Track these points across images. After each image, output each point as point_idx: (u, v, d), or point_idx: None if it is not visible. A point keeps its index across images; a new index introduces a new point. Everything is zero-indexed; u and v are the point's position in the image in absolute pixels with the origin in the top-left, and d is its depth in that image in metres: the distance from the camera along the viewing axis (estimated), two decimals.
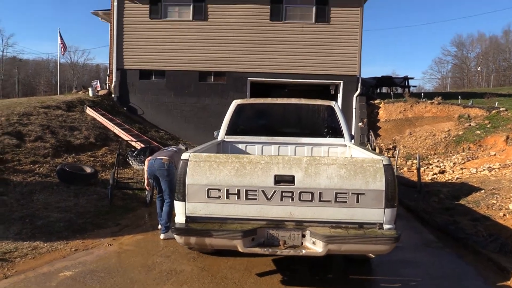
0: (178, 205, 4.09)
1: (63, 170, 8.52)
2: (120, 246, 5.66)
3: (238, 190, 3.98)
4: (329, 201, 3.92)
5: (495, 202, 7.61)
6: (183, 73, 16.03)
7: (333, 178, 3.90)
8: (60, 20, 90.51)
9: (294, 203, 3.95)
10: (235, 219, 4.03)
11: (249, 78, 16.01)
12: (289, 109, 6.81)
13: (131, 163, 10.94)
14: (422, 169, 11.51)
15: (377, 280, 4.82)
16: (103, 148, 11.37)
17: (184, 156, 4.10)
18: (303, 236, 3.98)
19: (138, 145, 12.09)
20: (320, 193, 3.91)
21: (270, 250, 3.93)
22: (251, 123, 6.70)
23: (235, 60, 15.92)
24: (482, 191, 8.54)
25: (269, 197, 3.95)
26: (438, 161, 12.81)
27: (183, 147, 6.74)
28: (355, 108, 15.93)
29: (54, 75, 53.09)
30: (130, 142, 12.23)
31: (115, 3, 15.93)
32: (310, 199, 3.92)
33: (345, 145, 6.34)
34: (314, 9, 15.76)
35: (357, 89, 15.90)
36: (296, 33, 15.81)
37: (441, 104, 16.33)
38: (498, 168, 10.46)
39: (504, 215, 6.90)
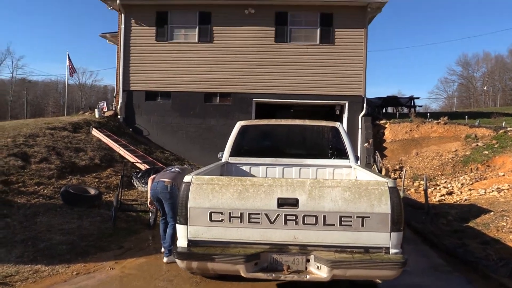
0: (180, 229, 4.04)
1: (67, 192, 8.50)
2: (122, 270, 5.57)
3: (241, 214, 3.92)
4: (333, 225, 3.84)
5: (505, 224, 7.45)
6: (189, 94, 16.13)
7: (337, 201, 3.84)
8: (70, 42, 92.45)
9: (298, 226, 3.88)
10: (238, 243, 3.96)
11: (254, 99, 16.06)
12: (293, 130, 6.79)
13: (136, 185, 10.91)
14: (429, 190, 11.36)
15: None
16: (108, 169, 11.37)
17: (187, 178, 4.07)
18: (307, 260, 3.89)
19: (143, 166, 12.08)
20: (324, 217, 3.84)
21: (273, 275, 3.84)
22: (256, 145, 6.68)
23: (241, 81, 16.02)
24: (492, 213, 8.38)
25: (272, 220, 3.89)
26: (445, 182, 12.65)
27: (188, 167, 6.72)
28: (361, 129, 15.87)
29: (62, 96, 53.83)
30: (135, 163, 12.23)
31: (122, 26, 16.19)
32: (314, 222, 3.85)
33: (350, 167, 6.28)
34: (318, 30, 15.91)
35: (362, 110, 15.88)
36: (301, 54, 15.92)
37: (447, 124, 16.24)
38: (507, 189, 10.29)
39: None
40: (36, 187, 8.90)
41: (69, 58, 24.83)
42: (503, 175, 11.73)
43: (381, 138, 16.38)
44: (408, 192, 12.04)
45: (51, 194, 8.81)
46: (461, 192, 11.23)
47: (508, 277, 5.24)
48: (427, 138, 15.95)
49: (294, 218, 3.87)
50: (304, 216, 3.85)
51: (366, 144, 15.47)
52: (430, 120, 16.92)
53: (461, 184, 11.99)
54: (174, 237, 5.58)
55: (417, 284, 5.22)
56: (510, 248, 6.36)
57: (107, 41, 20.21)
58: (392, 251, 3.81)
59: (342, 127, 6.53)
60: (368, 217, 3.80)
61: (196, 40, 16.16)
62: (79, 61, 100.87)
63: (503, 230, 7.18)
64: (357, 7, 15.74)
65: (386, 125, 16.73)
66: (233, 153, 6.42)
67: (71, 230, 7.03)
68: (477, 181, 11.91)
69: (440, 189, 11.92)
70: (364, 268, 3.73)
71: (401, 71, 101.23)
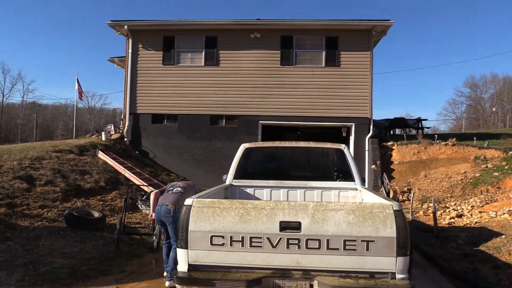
0: (180, 253, 3.95)
1: (70, 215, 8.44)
2: None
3: (243, 237, 3.82)
4: (337, 249, 3.72)
5: None
6: (195, 117, 16.21)
7: (341, 225, 3.73)
8: (80, 67, 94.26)
9: (300, 251, 3.76)
10: (239, 268, 3.85)
11: (260, 121, 16.09)
12: (298, 153, 6.73)
13: (140, 207, 10.84)
14: (438, 212, 11.16)
15: None
16: (113, 192, 11.34)
17: (187, 201, 4.00)
18: (311, 286, 3.75)
19: (148, 189, 12.02)
20: (328, 240, 3.73)
21: None
22: (260, 167, 6.61)
23: (246, 103, 16.09)
24: (503, 236, 8.16)
25: (274, 244, 3.78)
26: (455, 204, 12.41)
27: (191, 183, 6.66)
28: (368, 150, 15.77)
29: (71, 120, 54.41)
30: (140, 186, 12.19)
31: (130, 50, 16.46)
32: (317, 246, 3.74)
33: (356, 189, 6.16)
34: (324, 53, 16.02)
35: (369, 131, 15.82)
36: (307, 77, 16.00)
37: (455, 145, 16.08)
38: None
39: None
40: (40, 210, 8.88)
41: (78, 82, 25.23)
42: None
43: (389, 160, 16.23)
44: (417, 214, 11.82)
45: (55, 217, 8.77)
46: (471, 215, 11.00)
47: None
48: (435, 160, 15.78)
49: (296, 242, 3.76)
50: (307, 240, 3.75)
51: (373, 166, 15.32)
52: (438, 141, 16.77)
53: (471, 206, 11.75)
54: (177, 261, 5.47)
55: None
56: None
57: (115, 65, 20.53)
58: (398, 276, 3.68)
59: (347, 149, 6.45)
60: (373, 241, 3.68)
61: (203, 64, 16.35)
62: (89, 85, 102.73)
63: None
64: (362, 30, 15.89)
65: (394, 147, 16.61)
66: (237, 176, 6.35)
67: (73, 254, 6.95)
68: (487, 203, 11.67)
69: (449, 211, 11.70)
70: None
71: (409, 93, 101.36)
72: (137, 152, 16.19)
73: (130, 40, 16.48)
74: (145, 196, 11.04)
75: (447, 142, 16.28)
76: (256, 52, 16.15)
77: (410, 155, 16.17)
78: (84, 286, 5.72)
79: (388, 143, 16.84)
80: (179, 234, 3.94)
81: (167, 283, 5.78)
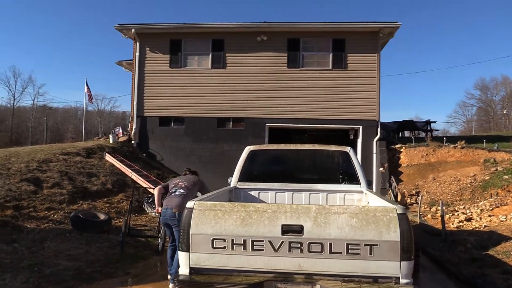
0: (181, 256, 3.92)
1: (76, 217, 8.48)
2: None
3: (244, 241, 3.78)
4: (340, 253, 3.67)
5: None
6: (202, 119, 16.23)
7: (344, 228, 3.68)
8: (90, 69, 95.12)
9: (303, 254, 3.71)
10: (241, 271, 3.81)
11: (267, 124, 16.06)
12: (303, 155, 6.68)
13: (147, 210, 10.86)
14: (447, 216, 11.01)
15: None
16: (120, 194, 11.37)
17: (189, 204, 3.98)
18: None
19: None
20: (330, 244, 3.67)
21: None
22: (264, 170, 6.58)
23: (253, 106, 16.07)
24: None
25: (276, 248, 3.74)
26: (464, 207, 12.24)
27: (195, 179, 6.60)
28: (375, 153, 15.65)
29: (81, 122, 54.91)
30: (147, 188, 12.20)
31: (137, 54, 16.54)
32: (320, 250, 3.68)
33: (362, 192, 6.10)
34: (331, 56, 15.96)
35: (377, 134, 15.70)
36: (314, 79, 15.94)
37: (465, 148, 15.88)
38: None
39: None
40: (46, 212, 8.92)
41: (87, 85, 25.44)
42: None
43: (397, 162, 16.09)
44: (425, 218, 11.68)
45: (61, 219, 8.81)
46: (480, 218, 10.84)
47: None
48: (444, 163, 15.60)
49: (299, 245, 3.71)
50: (309, 244, 3.70)
51: (381, 169, 15.20)
52: (447, 144, 16.58)
53: (481, 210, 11.58)
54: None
55: None
56: None
57: (123, 68, 20.66)
58: (402, 281, 3.61)
59: (353, 151, 6.39)
60: (377, 245, 3.62)
61: (209, 67, 16.37)
62: (99, 88, 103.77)
63: None
64: (369, 32, 15.81)
65: (402, 150, 16.46)
66: (241, 178, 6.33)
67: (78, 256, 6.96)
68: (497, 207, 11.49)
69: (458, 215, 11.54)
70: None
71: (418, 95, 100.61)
72: (144, 154, 16.24)
73: (138, 44, 16.56)
74: (151, 199, 11.06)
75: (456, 144, 16.09)
76: (263, 54, 16.14)
77: (419, 158, 16.00)
78: None
79: (396, 146, 16.70)
80: (181, 237, 3.93)
81: (170, 286, 5.75)
